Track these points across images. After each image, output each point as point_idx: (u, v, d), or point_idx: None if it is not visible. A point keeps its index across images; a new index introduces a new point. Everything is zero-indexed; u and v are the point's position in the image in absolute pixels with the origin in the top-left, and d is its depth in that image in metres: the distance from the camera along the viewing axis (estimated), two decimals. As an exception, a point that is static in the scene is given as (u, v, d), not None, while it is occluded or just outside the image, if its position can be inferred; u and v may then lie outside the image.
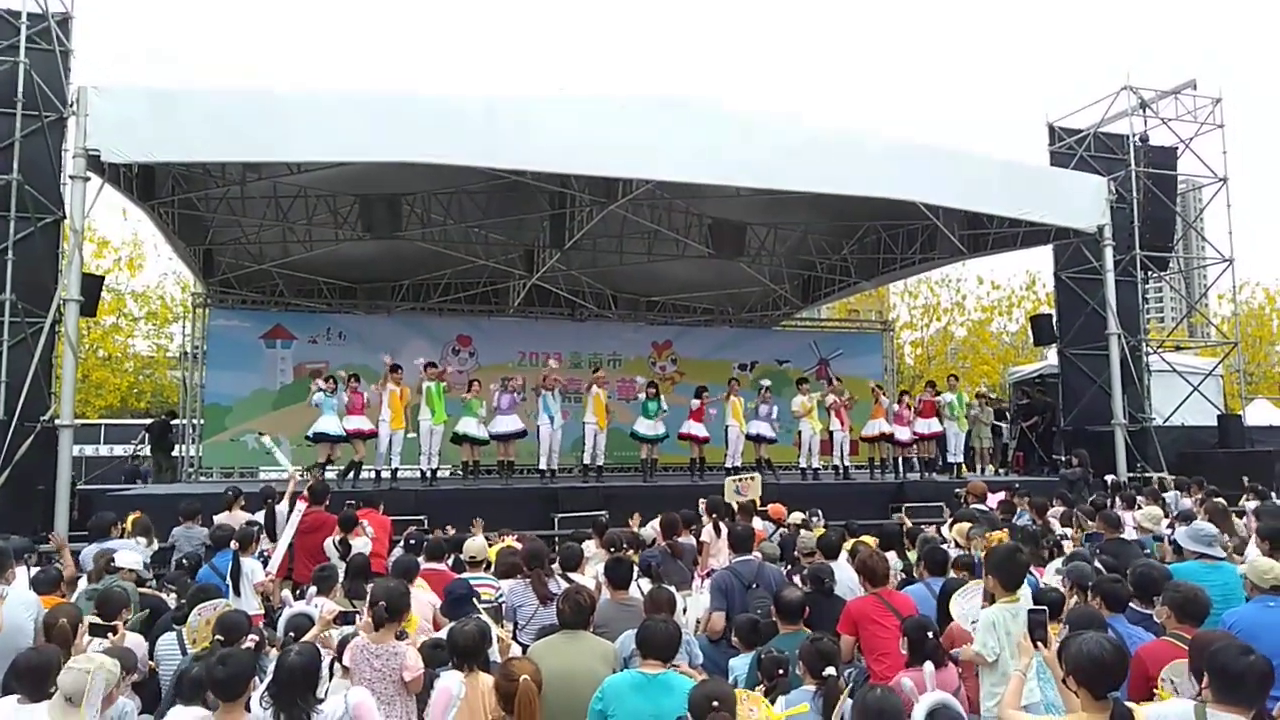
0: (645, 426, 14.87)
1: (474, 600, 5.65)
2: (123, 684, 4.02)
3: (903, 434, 15.44)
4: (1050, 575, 6.42)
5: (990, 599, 4.79)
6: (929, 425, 15.66)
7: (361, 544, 8.06)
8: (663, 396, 15.08)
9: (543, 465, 14.05)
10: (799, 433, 15.37)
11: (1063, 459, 16.69)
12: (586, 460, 14.62)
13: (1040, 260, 40.42)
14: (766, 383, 16.13)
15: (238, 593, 6.97)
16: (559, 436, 14.21)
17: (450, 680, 4.34)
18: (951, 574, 6.08)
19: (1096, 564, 6.13)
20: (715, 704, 3.32)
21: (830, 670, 4.04)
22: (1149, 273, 17.85)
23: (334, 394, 12.97)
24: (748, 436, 15.13)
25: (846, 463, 15.46)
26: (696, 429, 15.09)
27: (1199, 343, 23.72)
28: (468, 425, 13.59)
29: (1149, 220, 17.13)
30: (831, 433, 15.34)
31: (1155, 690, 3.98)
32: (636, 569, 6.59)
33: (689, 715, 3.38)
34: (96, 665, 3.79)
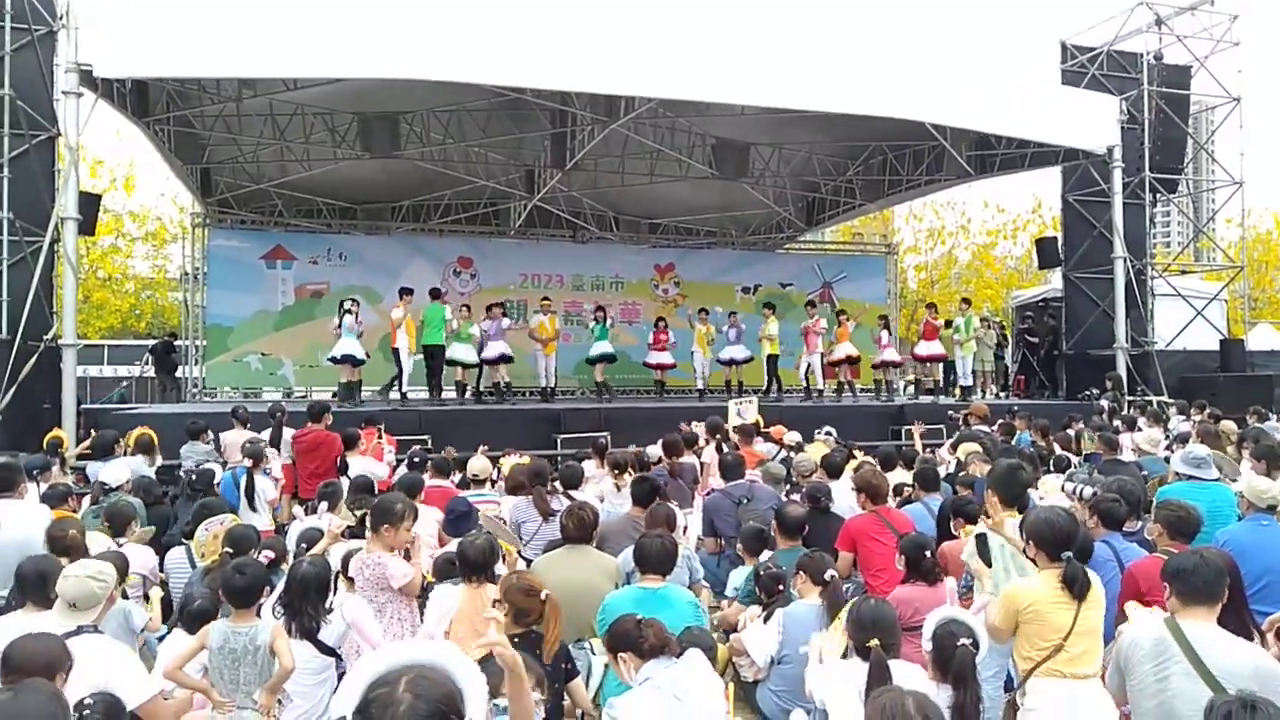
0: (595, 349, 15.14)
1: (474, 517, 5.73)
2: (119, 587, 4.12)
3: (890, 354, 15.73)
4: (1045, 488, 6.52)
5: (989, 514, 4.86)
6: (930, 348, 15.69)
7: (362, 462, 8.18)
8: (609, 320, 15.60)
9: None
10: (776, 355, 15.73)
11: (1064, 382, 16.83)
12: (542, 384, 15.20)
13: (1046, 184, 40.01)
14: (764, 309, 16.25)
15: (253, 508, 7.09)
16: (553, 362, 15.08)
17: (449, 593, 4.44)
18: (957, 492, 6.18)
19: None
20: (640, 619, 3.44)
21: (832, 573, 4.13)
22: (1157, 195, 17.65)
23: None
24: (720, 361, 15.78)
25: (815, 385, 15.71)
26: (660, 357, 15.75)
27: (1205, 267, 23.57)
28: (458, 351, 13.78)
29: (1160, 141, 16.86)
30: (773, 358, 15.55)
31: (1154, 605, 4.07)
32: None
33: (626, 653, 3.43)
34: (93, 571, 3.87)
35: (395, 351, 13.25)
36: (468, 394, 14.45)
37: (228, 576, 4.13)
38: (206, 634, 4.03)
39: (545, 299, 15.94)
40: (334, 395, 13.33)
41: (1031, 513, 3.86)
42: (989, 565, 4.16)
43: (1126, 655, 3.35)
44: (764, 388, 15.46)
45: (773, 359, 15.38)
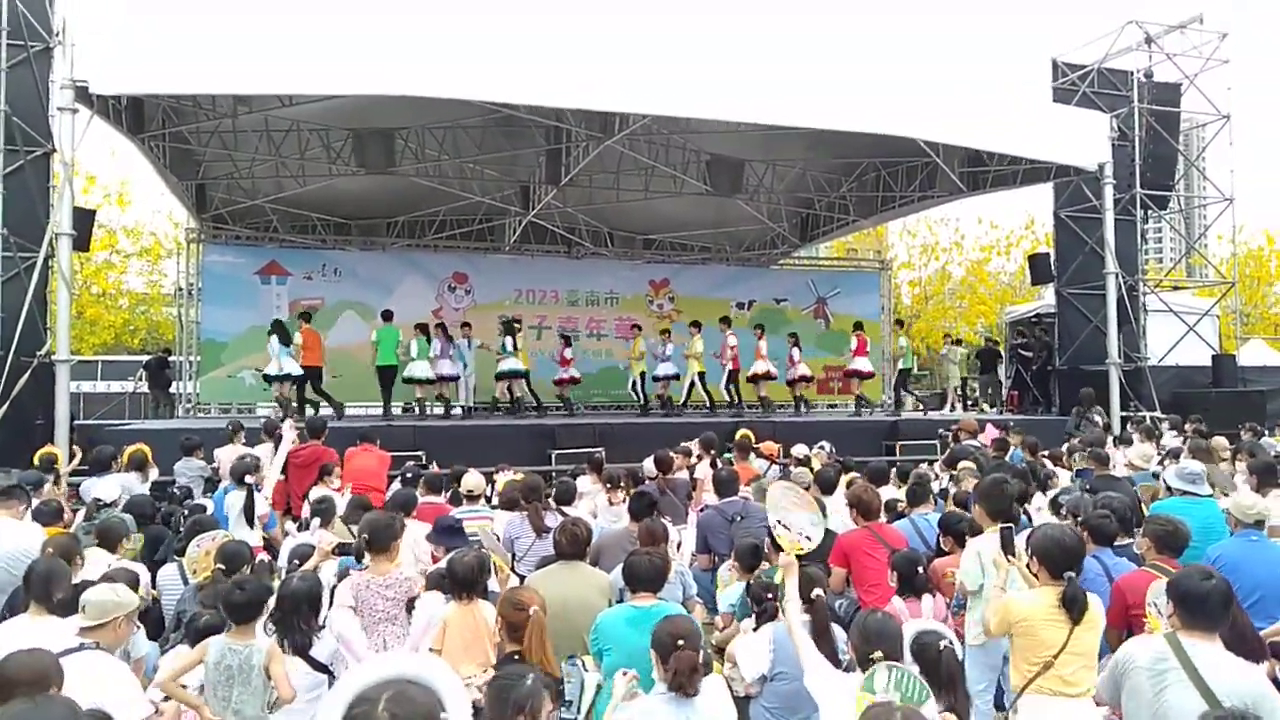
0: (505, 363, 15.07)
1: (461, 533, 5.71)
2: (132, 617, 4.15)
3: (802, 369, 16.18)
4: (1034, 507, 6.53)
5: (978, 529, 4.87)
6: (858, 364, 16.05)
7: (321, 493, 7.93)
8: (518, 335, 15.49)
9: (463, 403, 15.52)
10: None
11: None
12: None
13: (1039, 200, 40.16)
14: (691, 326, 16.52)
15: (250, 525, 7.05)
16: (474, 380, 15.76)
17: (434, 601, 4.44)
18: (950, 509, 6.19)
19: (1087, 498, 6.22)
20: (680, 641, 3.39)
21: (819, 591, 4.13)
22: (1148, 212, 17.76)
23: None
24: (654, 378, 16.15)
25: (721, 397, 16.20)
26: (566, 372, 16.17)
27: (1197, 283, 23.69)
28: (417, 369, 14.20)
29: (1150, 158, 16.99)
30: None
31: (1143, 618, 4.08)
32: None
33: (653, 652, 3.44)
34: (118, 590, 3.93)
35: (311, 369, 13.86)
36: (421, 410, 14.67)
37: (228, 592, 4.14)
38: (205, 648, 4.04)
39: (515, 319, 16.05)
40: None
41: (1040, 529, 3.85)
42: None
43: (1123, 667, 3.35)
44: (680, 402, 16.01)
45: (700, 375, 15.67)
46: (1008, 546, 4.09)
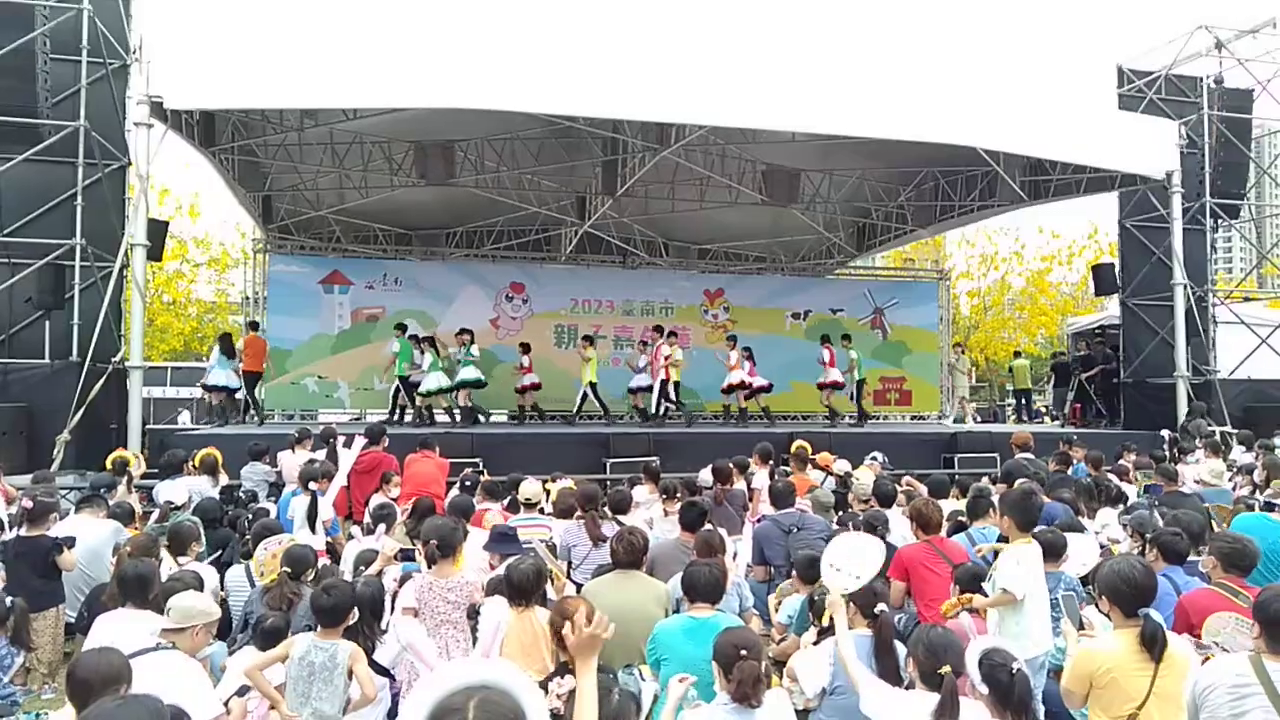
0: (464, 373, 14.99)
1: (517, 541, 5.75)
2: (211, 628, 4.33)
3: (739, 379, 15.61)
4: (1100, 523, 6.39)
5: (1004, 539, 4.78)
6: (826, 376, 15.95)
7: (381, 500, 8.10)
8: (475, 345, 15.24)
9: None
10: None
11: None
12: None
13: (1102, 208, 39.25)
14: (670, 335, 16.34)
15: (313, 529, 7.21)
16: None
17: (499, 605, 4.49)
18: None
19: (1156, 515, 6.08)
20: (744, 652, 3.37)
21: (882, 607, 4.08)
22: (1218, 221, 17.28)
23: None
24: (629, 389, 16.09)
25: (651, 409, 15.65)
26: (526, 379, 15.86)
27: (1269, 294, 22.95)
28: (440, 379, 14.54)
29: (1220, 166, 16.50)
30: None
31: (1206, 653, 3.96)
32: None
33: (715, 663, 3.44)
34: (205, 608, 4.11)
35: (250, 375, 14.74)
36: (443, 417, 14.91)
37: (315, 596, 4.30)
38: (291, 644, 4.19)
39: (468, 330, 15.87)
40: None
41: (1105, 567, 3.70)
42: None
43: (1203, 689, 3.25)
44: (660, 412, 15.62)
45: (668, 383, 15.38)
46: (1074, 618, 3.97)
